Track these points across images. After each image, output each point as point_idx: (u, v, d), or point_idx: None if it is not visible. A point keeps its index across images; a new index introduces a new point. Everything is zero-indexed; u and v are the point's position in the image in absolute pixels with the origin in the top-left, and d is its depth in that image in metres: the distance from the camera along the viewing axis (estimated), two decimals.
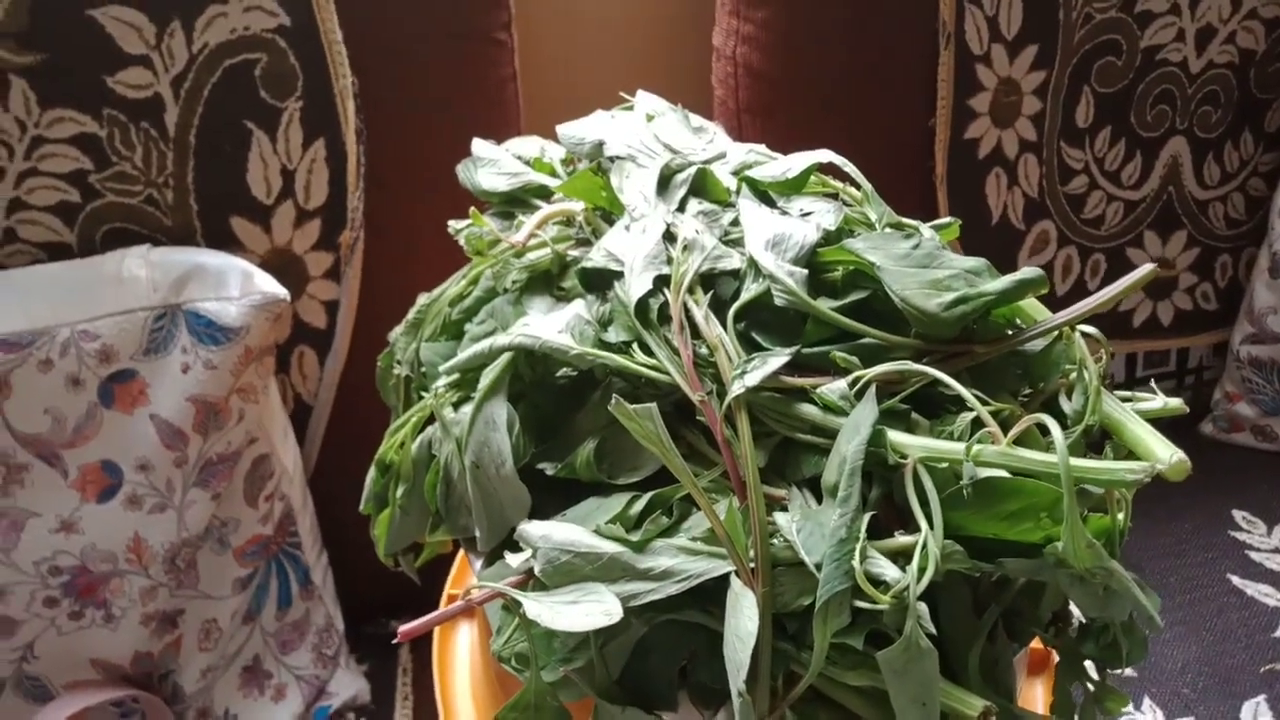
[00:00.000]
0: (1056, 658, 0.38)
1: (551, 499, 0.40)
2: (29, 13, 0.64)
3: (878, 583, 0.31)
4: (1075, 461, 0.30)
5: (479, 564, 0.42)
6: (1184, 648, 0.76)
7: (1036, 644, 0.44)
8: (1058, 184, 0.89)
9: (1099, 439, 0.37)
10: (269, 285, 0.68)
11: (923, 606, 0.30)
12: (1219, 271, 0.97)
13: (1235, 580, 0.82)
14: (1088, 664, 0.37)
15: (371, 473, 0.46)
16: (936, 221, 0.49)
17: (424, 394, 0.47)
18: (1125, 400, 0.37)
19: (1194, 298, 0.97)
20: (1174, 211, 0.93)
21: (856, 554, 0.31)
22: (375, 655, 0.80)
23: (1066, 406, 0.36)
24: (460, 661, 0.55)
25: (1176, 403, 0.36)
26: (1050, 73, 0.85)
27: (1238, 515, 0.88)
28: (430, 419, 0.44)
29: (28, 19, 0.64)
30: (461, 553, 0.60)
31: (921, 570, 0.31)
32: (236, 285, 0.67)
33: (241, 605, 0.72)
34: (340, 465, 0.78)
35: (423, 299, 0.52)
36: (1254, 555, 0.84)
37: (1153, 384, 0.39)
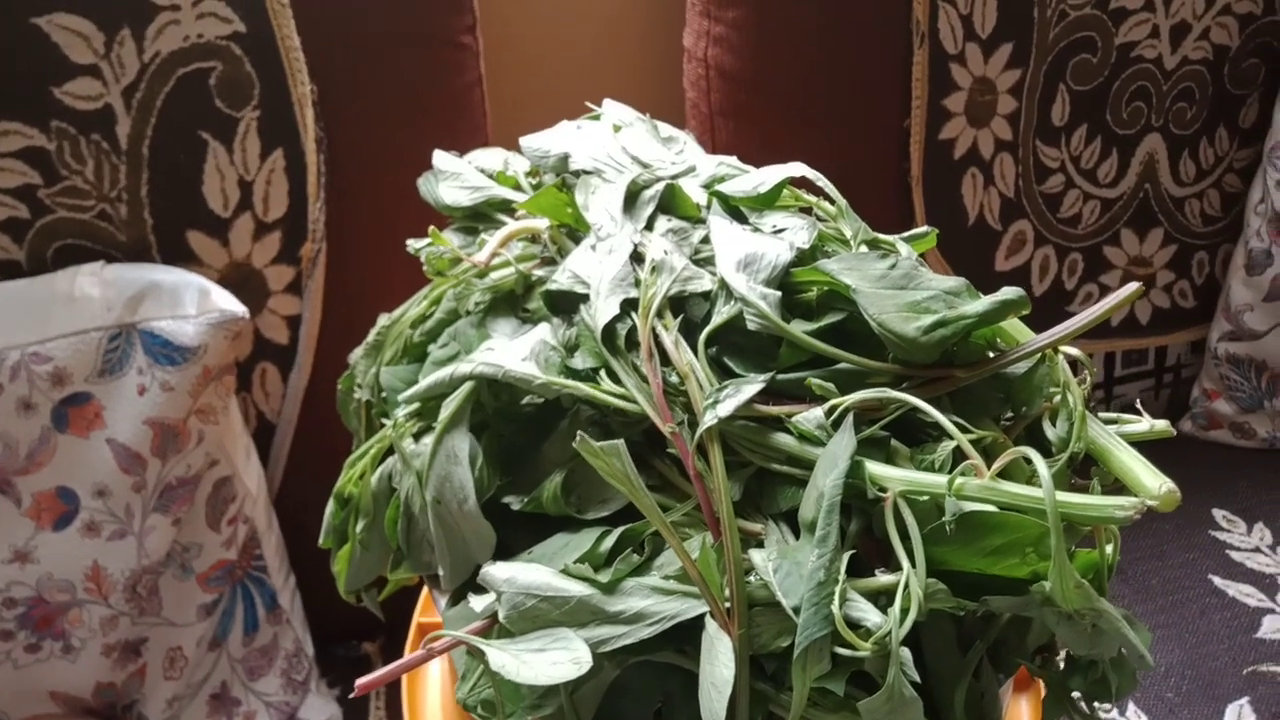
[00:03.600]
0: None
1: (518, 532, 0.39)
2: None
3: (858, 627, 0.30)
4: (1062, 496, 0.29)
5: (443, 602, 0.40)
6: (1167, 651, 0.76)
7: None
8: (1034, 183, 0.88)
9: (1085, 463, 0.35)
10: (227, 302, 0.66)
11: (906, 652, 0.29)
12: (1196, 269, 0.97)
13: (1217, 581, 0.81)
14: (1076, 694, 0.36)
15: (330, 505, 0.44)
16: (913, 231, 0.48)
17: (385, 420, 0.46)
18: (1110, 423, 0.36)
19: (1171, 295, 0.96)
20: (1150, 209, 0.93)
21: (836, 597, 0.29)
22: (347, 678, 0.78)
23: (1051, 432, 0.35)
24: (431, 693, 0.53)
25: (1163, 425, 0.35)
26: (1025, 71, 0.84)
27: (1218, 514, 0.88)
28: (390, 450, 0.43)
29: None
30: None
31: (904, 612, 0.29)
32: (193, 303, 0.65)
33: (207, 632, 0.70)
34: (306, 484, 0.76)
35: (383, 320, 0.50)
36: (1234, 555, 0.84)
37: (1138, 404, 0.38)
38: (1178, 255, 0.95)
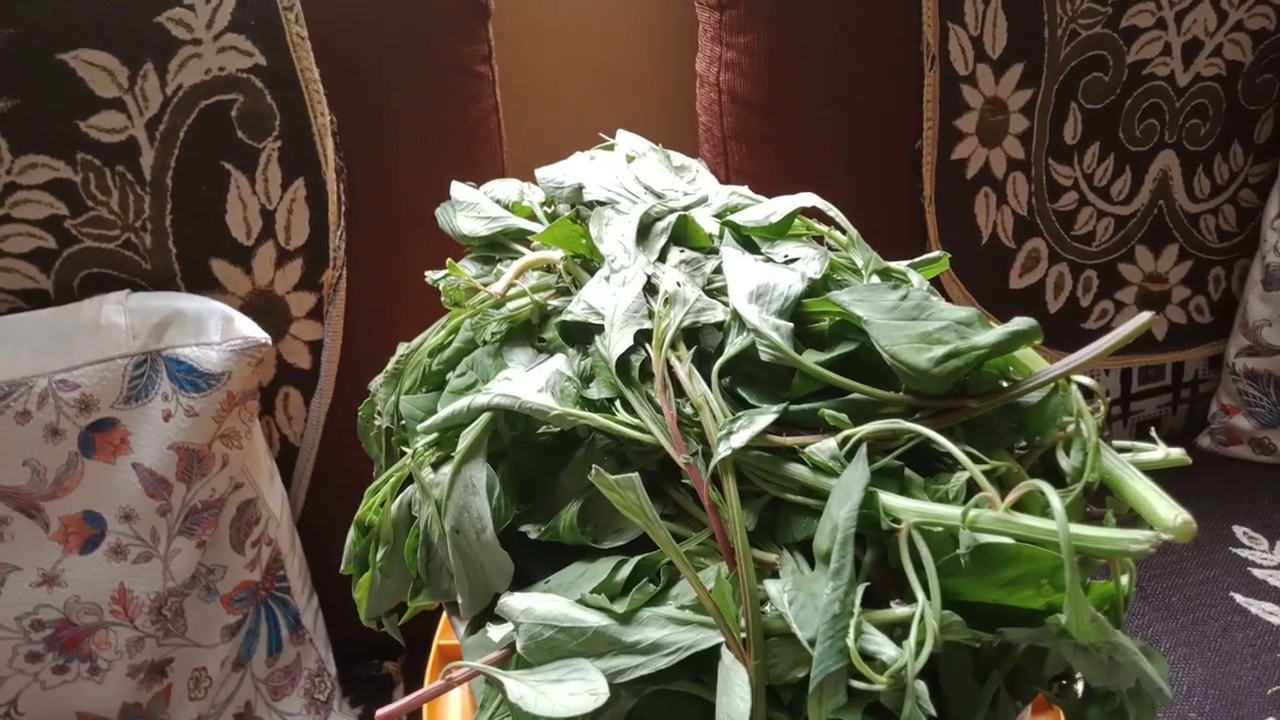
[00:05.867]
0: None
1: (535, 560, 0.39)
2: None
3: (873, 659, 0.30)
4: (1076, 529, 0.29)
5: (462, 629, 0.40)
6: (1189, 669, 0.75)
7: None
8: (1047, 201, 0.88)
9: (1101, 491, 0.35)
10: (250, 329, 0.67)
11: (921, 686, 0.29)
12: (1212, 284, 0.96)
13: (1239, 598, 0.81)
14: None
15: (351, 533, 0.45)
16: (925, 257, 0.48)
17: (405, 447, 0.46)
18: (1124, 451, 0.36)
19: (1188, 311, 0.96)
20: (1165, 225, 0.93)
21: (851, 630, 0.30)
22: (369, 698, 0.79)
23: (1065, 462, 0.35)
24: (452, 716, 0.53)
25: (1178, 453, 0.35)
26: (1037, 91, 0.84)
27: (1238, 531, 0.87)
28: (410, 478, 0.43)
29: None
30: None
31: (919, 645, 0.29)
32: (217, 330, 0.66)
33: (231, 652, 0.71)
34: (329, 505, 0.77)
35: (402, 348, 0.50)
36: (1256, 572, 0.83)
37: (1153, 433, 0.38)
38: (1193, 271, 0.95)
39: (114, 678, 0.66)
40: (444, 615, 0.60)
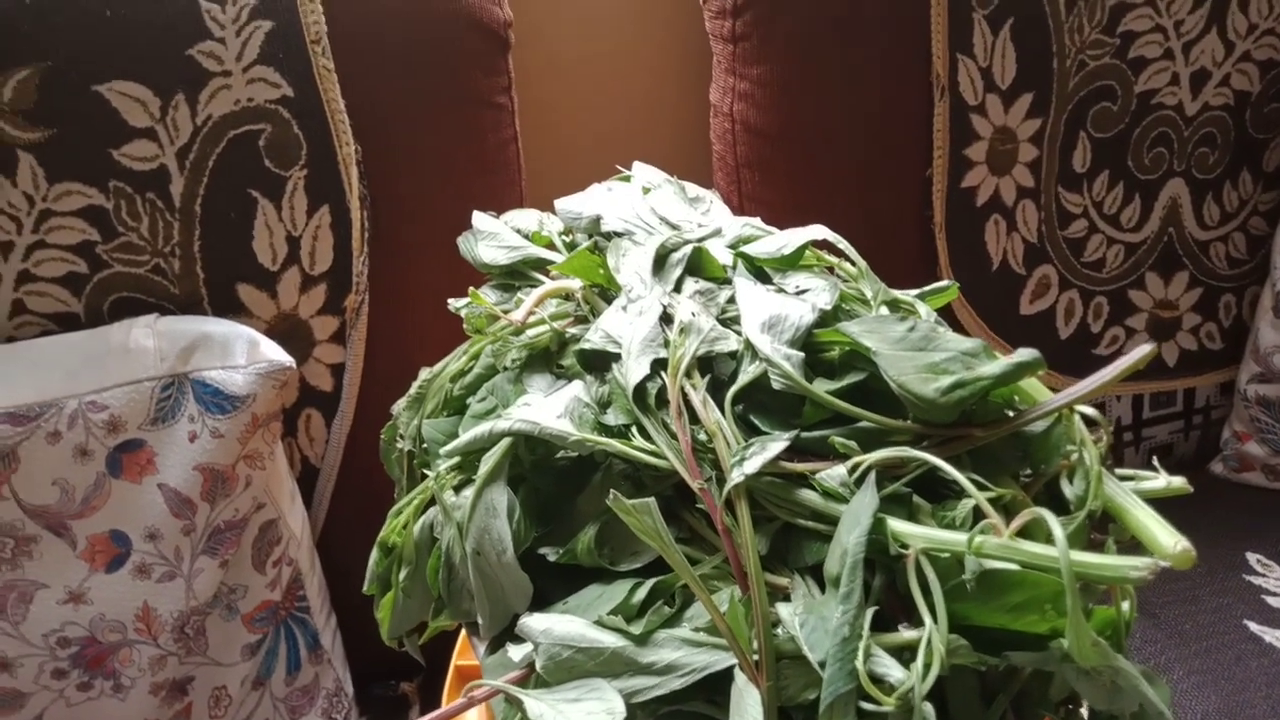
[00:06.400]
0: None
1: (554, 581, 0.40)
2: (37, 90, 0.65)
3: (882, 681, 0.31)
4: (1078, 556, 0.30)
5: (482, 649, 0.41)
6: (1203, 698, 0.75)
7: None
8: (1057, 228, 0.89)
9: (1105, 518, 0.36)
10: (275, 353, 0.69)
11: (929, 707, 0.30)
12: (1223, 311, 0.97)
13: (1253, 626, 0.80)
14: None
15: (374, 554, 0.46)
16: (934, 286, 0.49)
17: (426, 470, 0.48)
18: (1127, 479, 0.37)
19: (1198, 338, 0.97)
20: (1175, 252, 0.93)
21: (860, 652, 0.30)
22: (384, 718, 0.79)
23: (1068, 490, 0.36)
24: None
25: (1180, 482, 0.36)
26: (1046, 120, 0.85)
27: (1251, 558, 0.87)
28: (432, 500, 0.45)
29: (36, 96, 0.65)
30: None
31: (927, 667, 0.30)
32: (243, 353, 0.68)
33: (251, 671, 0.72)
34: (348, 526, 0.78)
35: (424, 373, 0.52)
36: (1270, 600, 0.83)
37: (1155, 462, 0.39)
38: (1204, 298, 0.95)
39: (136, 695, 0.67)
40: (460, 636, 0.61)
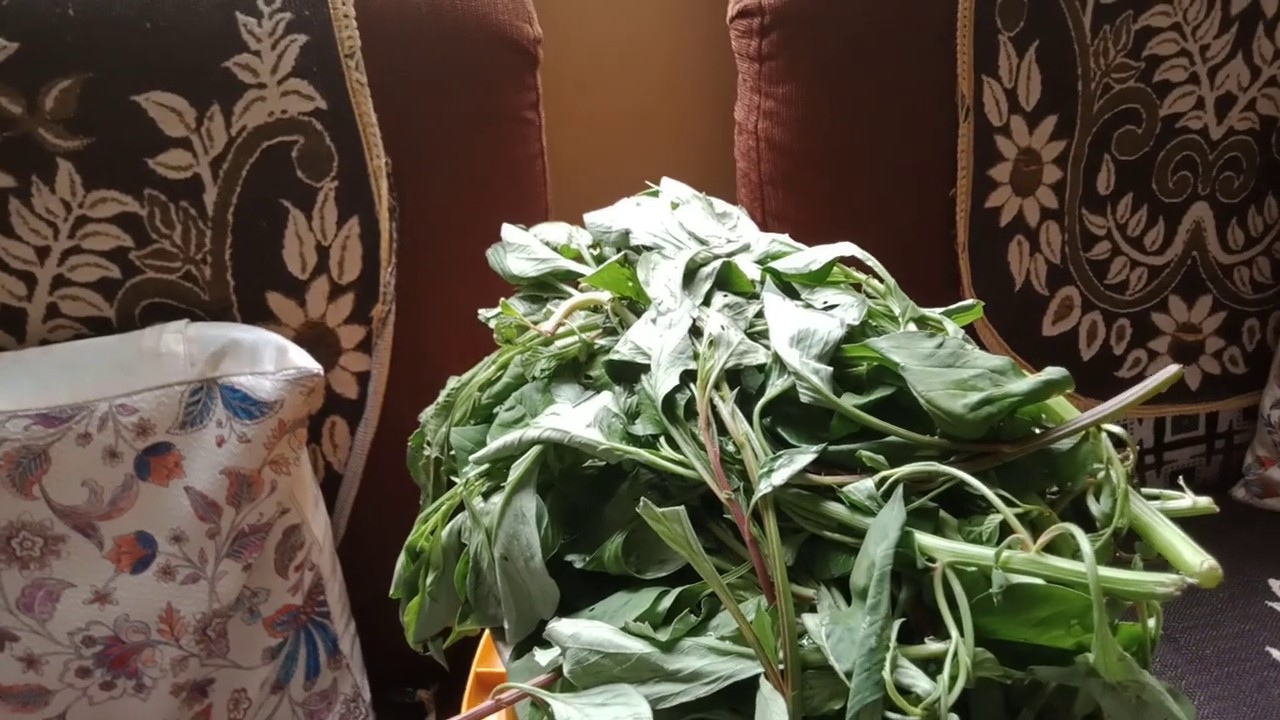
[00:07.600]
0: None
1: (580, 588, 0.41)
2: (77, 99, 0.67)
3: (908, 693, 0.31)
4: (1104, 571, 0.30)
5: (508, 654, 0.42)
6: None
7: None
8: (1080, 250, 0.89)
9: (1130, 536, 0.36)
10: (303, 360, 0.70)
11: (955, 719, 0.30)
12: (1246, 335, 0.96)
13: (1275, 654, 0.80)
14: None
15: (402, 559, 0.47)
16: (959, 305, 0.50)
17: (454, 477, 0.48)
18: (1153, 499, 0.37)
19: (1221, 362, 0.96)
20: (1199, 276, 0.93)
21: (887, 664, 0.31)
22: None
23: (1095, 508, 0.36)
24: None
25: (1206, 502, 0.36)
26: (1070, 142, 0.85)
27: (1274, 585, 0.86)
28: (460, 506, 0.45)
29: (76, 105, 0.67)
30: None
31: (953, 679, 0.30)
32: (271, 360, 0.69)
33: (271, 675, 0.72)
34: (369, 533, 0.79)
35: (453, 382, 0.52)
36: None
37: (1180, 482, 0.39)
38: (1227, 322, 0.95)
39: (158, 696, 0.68)
40: (481, 643, 0.62)
